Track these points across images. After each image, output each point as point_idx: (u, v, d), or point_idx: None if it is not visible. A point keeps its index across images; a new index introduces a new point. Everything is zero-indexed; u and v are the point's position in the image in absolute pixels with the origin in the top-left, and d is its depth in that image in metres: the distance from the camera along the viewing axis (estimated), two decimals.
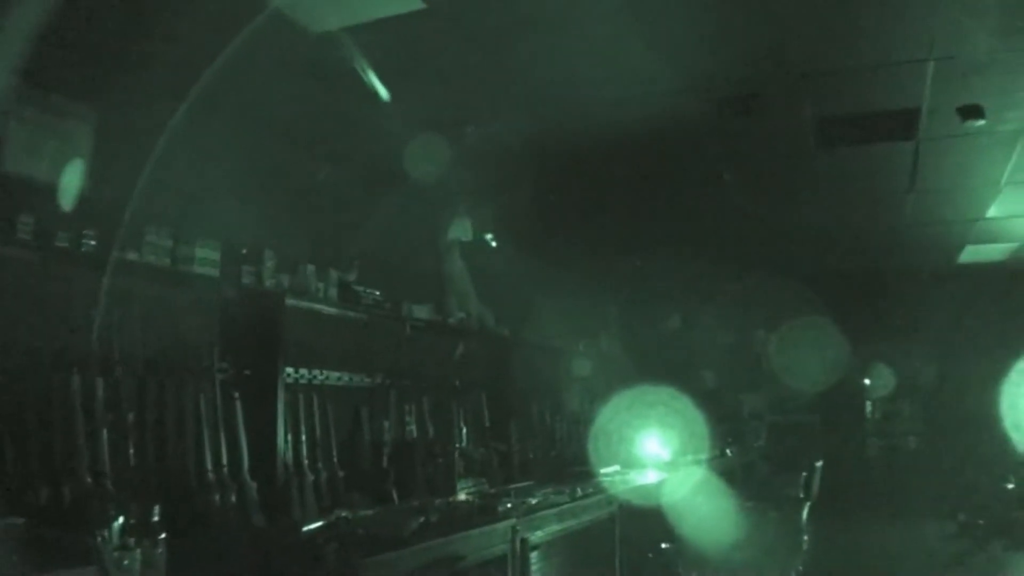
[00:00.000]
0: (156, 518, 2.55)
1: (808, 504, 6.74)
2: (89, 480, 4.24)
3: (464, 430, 7.32)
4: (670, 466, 7.99)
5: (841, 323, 12.03)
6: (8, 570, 2.28)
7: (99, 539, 2.34)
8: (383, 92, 4.80)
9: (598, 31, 4.66)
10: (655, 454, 8.17)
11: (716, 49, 4.98)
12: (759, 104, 5.66)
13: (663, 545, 6.39)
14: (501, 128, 6.09)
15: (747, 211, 8.49)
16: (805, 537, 6.67)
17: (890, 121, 6.08)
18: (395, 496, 5.89)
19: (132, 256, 4.74)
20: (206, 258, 5.14)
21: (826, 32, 4.77)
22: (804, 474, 6.90)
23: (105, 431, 4.36)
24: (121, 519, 2.43)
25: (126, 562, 2.40)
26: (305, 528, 3.66)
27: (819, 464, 7.11)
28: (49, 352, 4.26)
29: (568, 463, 7.98)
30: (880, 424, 13.10)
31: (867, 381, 13.09)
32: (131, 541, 2.43)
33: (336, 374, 6.15)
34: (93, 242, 4.48)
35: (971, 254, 10.52)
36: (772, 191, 8.00)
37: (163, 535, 2.57)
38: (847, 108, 5.93)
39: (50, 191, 4.47)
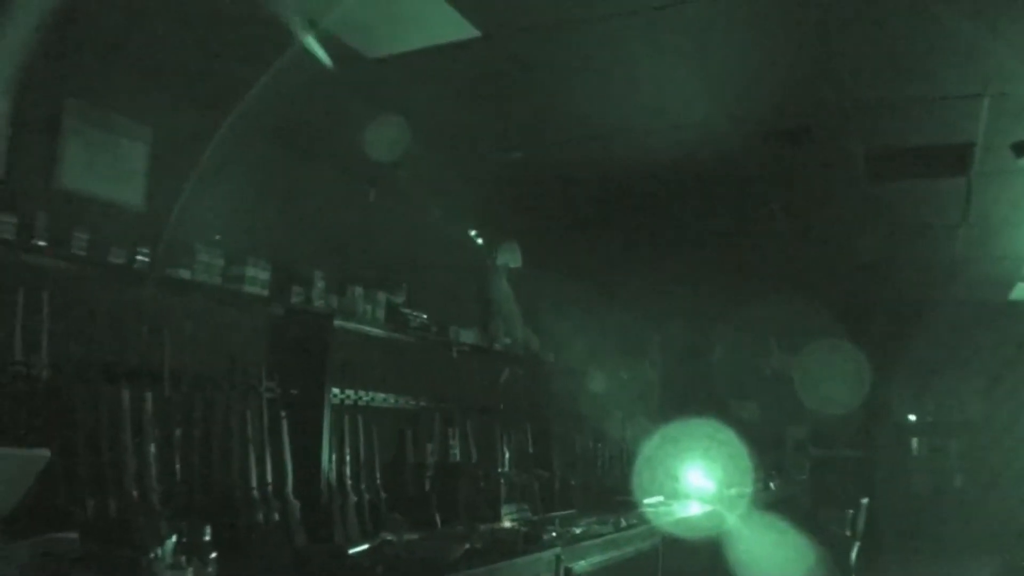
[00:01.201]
0: (207, 537, 2.56)
1: (857, 543, 6.65)
2: (135, 495, 4.27)
3: (507, 455, 7.30)
4: (714, 498, 7.91)
5: (888, 356, 11.91)
6: None
7: (152, 556, 2.35)
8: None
9: (649, 63, 4.65)
10: (698, 485, 8.09)
11: (766, 81, 4.96)
12: (809, 136, 5.62)
13: None
14: (550, 155, 6.09)
15: (795, 243, 8.44)
16: None
17: (942, 156, 6.01)
18: (438, 520, 5.87)
19: (184, 274, 4.78)
20: (256, 277, 5.17)
21: (879, 65, 4.73)
22: (851, 511, 6.81)
23: (152, 446, 4.39)
24: (174, 537, 2.44)
25: None
26: (351, 551, 3.65)
27: (865, 501, 7.03)
28: (100, 366, 4.30)
29: (610, 492, 7.94)
30: (926, 461, 12.87)
31: (912, 417, 12.91)
32: (183, 559, 2.44)
33: (382, 396, 6.16)
34: (146, 259, 4.52)
35: (1022, 291, 10.38)
36: (821, 223, 7.94)
37: (214, 554, 2.58)
38: (899, 142, 5.87)
39: (105, 208, 4.52)
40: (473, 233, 6.78)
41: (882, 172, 6.34)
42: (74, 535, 2.65)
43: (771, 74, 4.84)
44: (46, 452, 2.62)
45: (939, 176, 6.39)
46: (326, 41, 4.28)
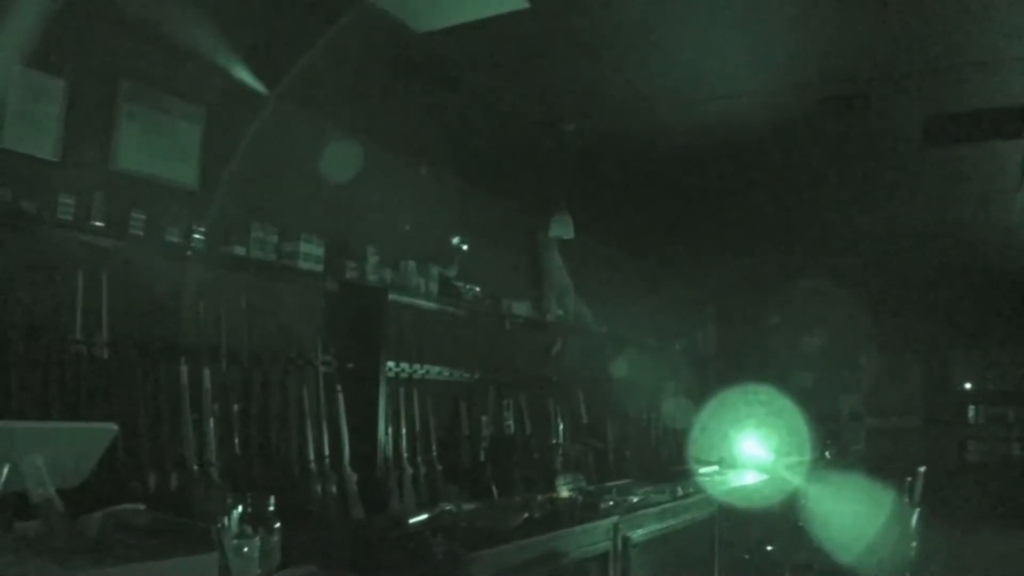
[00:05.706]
0: (272, 507, 2.59)
1: (917, 511, 6.60)
2: (196, 468, 4.34)
3: (561, 426, 7.32)
4: (769, 467, 7.87)
5: (944, 324, 11.78)
6: (131, 553, 2.33)
7: (219, 527, 2.39)
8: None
9: (701, 31, 4.60)
10: (754, 454, 8.05)
11: (820, 47, 4.89)
12: (864, 102, 5.55)
13: (768, 547, 6.31)
14: (602, 126, 6.06)
15: (850, 210, 8.35)
16: (914, 544, 6.54)
17: (1001, 120, 5.91)
18: (494, 491, 5.91)
19: (239, 251, 4.83)
20: (310, 253, 5.23)
21: (934, 28, 4.65)
22: (908, 479, 6.76)
23: (212, 421, 4.46)
24: (240, 508, 2.48)
25: (246, 549, 2.45)
26: (411, 520, 3.68)
27: (922, 469, 6.96)
28: (159, 343, 4.36)
29: (665, 462, 7.92)
30: (983, 429, 12.69)
31: (969, 385, 12.74)
32: (249, 529, 2.48)
33: (436, 368, 6.21)
34: (202, 237, 4.58)
35: None
36: (877, 190, 7.83)
37: (278, 524, 2.61)
38: (955, 105, 5.78)
39: (160, 187, 4.57)
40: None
41: (939, 137, 6.23)
42: (141, 506, 2.70)
43: (826, 40, 4.77)
44: (114, 426, 2.67)
45: (997, 140, 6.28)
46: (374, 16, 4.28)
